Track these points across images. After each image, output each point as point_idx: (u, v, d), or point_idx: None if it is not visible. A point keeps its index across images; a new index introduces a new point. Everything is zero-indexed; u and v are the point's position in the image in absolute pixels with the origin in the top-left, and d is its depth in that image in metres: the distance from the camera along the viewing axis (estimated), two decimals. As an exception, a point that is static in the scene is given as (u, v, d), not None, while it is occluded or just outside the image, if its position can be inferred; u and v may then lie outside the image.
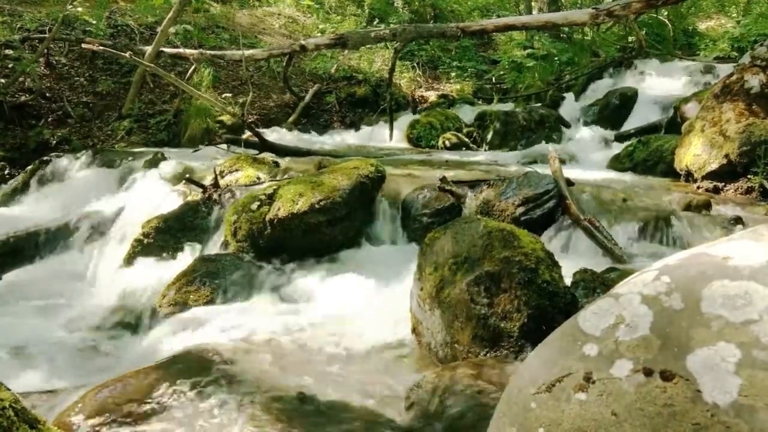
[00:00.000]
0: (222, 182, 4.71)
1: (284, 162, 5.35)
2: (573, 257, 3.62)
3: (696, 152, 4.67)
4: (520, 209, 3.94)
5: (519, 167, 5.37)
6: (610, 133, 6.99)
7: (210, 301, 3.32)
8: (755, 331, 1.19)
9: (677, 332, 1.24)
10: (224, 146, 6.11)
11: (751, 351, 1.17)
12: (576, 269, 3.04)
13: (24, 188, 5.79)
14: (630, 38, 9.91)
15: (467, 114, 8.30)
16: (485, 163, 5.83)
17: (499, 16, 11.55)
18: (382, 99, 8.72)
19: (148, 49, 7.49)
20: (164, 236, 4.13)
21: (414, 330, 2.80)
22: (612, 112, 7.62)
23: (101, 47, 6.80)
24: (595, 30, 10.11)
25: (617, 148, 6.25)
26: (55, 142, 6.96)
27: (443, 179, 4.27)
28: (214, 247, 4.12)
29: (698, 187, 4.62)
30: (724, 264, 1.33)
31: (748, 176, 4.40)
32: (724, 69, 7.33)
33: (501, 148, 7.03)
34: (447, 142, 7.24)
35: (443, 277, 2.60)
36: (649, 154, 5.50)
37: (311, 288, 3.53)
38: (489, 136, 7.26)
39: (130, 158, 5.77)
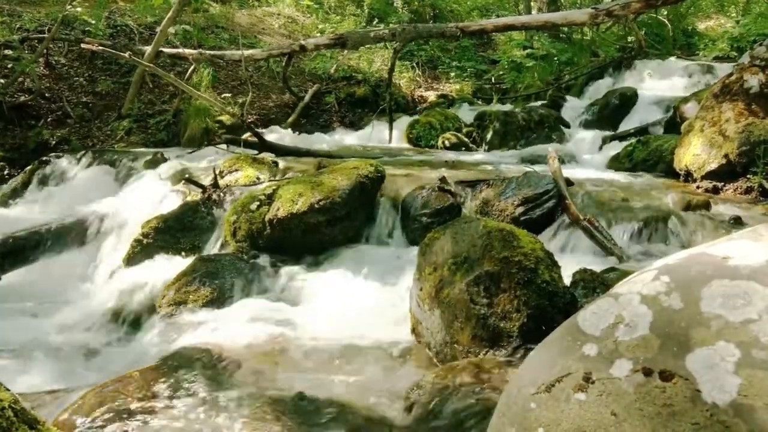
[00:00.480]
0: (221, 182, 4.71)
1: (284, 162, 5.35)
2: (572, 257, 3.62)
3: (695, 152, 4.67)
4: (520, 209, 3.94)
5: (518, 167, 5.37)
6: (609, 133, 6.99)
7: (209, 301, 3.31)
8: (755, 331, 1.19)
9: (677, 332, 1.24)
10: (224, 146, 6.10)
11: (751, 351, 1.17)
12: (575, 269, 3.04)
13: (23, 188, 5.79)
14: (629, 38, 9.92)
15: (467, 114, 8.30)
16: (485, 163, 5.83)
17: (498, 16, 11.55)
18: (382, 99, 8.72)
19: (148, 49, 7.48)
20: (164, 236, 4.13)
21: (413, 330, 2.80)
22: (611, 112, 7.61)
23: (100, 47, 6.79)
24: (595, 30, 10.11)
25: (617, 147, 6.25)
26: (54, 142, 6.96)
27: (443, 179, 4.27)
28: (213, 247, 4.12)
29: (698, 187, 4.62)
30: (724, 264, 1.33)
31: (748, 176, 4.40)
32: (724, 69, 7.34)
33: (500, 148, 7.03)
34: (446, 142, 7.24)
35: (443, 277, 2.60)
36: (649, 153, 5.50)
37: (311, 288, 3.53)
38: (488, 136, 7.25)
39: (129, 158, 5.78)
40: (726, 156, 4.46)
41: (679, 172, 4.90)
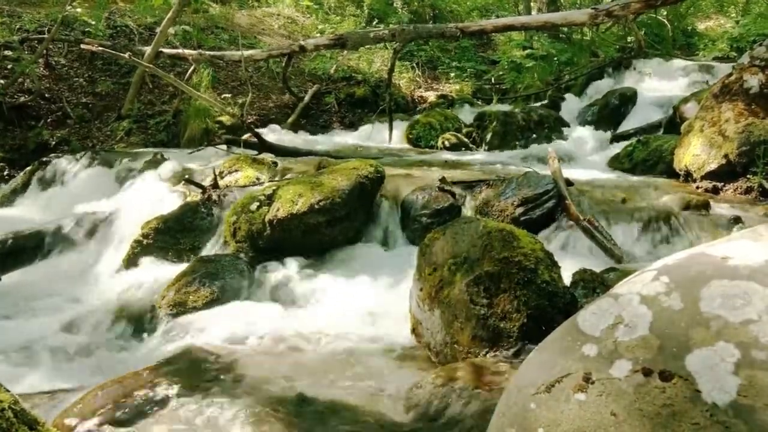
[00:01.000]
0: (221, 183, 4.71)
1: (283, 162, 5.35)
2: (572, 257, 3.62)
3: (695, 152, 4.67)
4: (520, 209, 3.94)
5: (518, 167, 5.37)
6: (609, 134, 6.99)
7: (209, 302, 3.31)
8: (754, 331, 1.19)
9: (676, 332, 1.24)
10: (223, 147, 6.11)
11: (750, 351, 1.17)
12: (575, 269, 3.04)
13: (23, 189, 5.79)
14: (629, 38, 9.92)
15: (466, 114, 8.30)
16: (484, 163, 5.83)
17: (498, 17, 11.55)
18: (382, 99, 8.72)
19: (148, 49, 7.49)
20: (164, 237, 4.13)
21: (414, 330, 2.80)
22: (611, 113, 7.62)
23: (100, 48, 6.80)
24: (595, 30, 10.11)
25: (616, 148, 6.25)
26: (54, 142, 6.96)
27: (443, 179, 4.27)
28: (213, 247, 4.12)
29: (697, 187, 4.62)
30: (724, 264, 1.33)
31: (748, 176, 4.40)
32: (723, 69, 7.33)
33: (500, 148, 7.03)
34: (446, 143, 7.24)
35: (443, 277, 2.60)
36: (649, 154, 5.50)
37: (311, 288, 3.53)
38: (488, 137, 7.26)
39: (129, 159, 5.77)
40: (726, 156, 4.46)
41: (678, 172, 4.90)
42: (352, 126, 8.73)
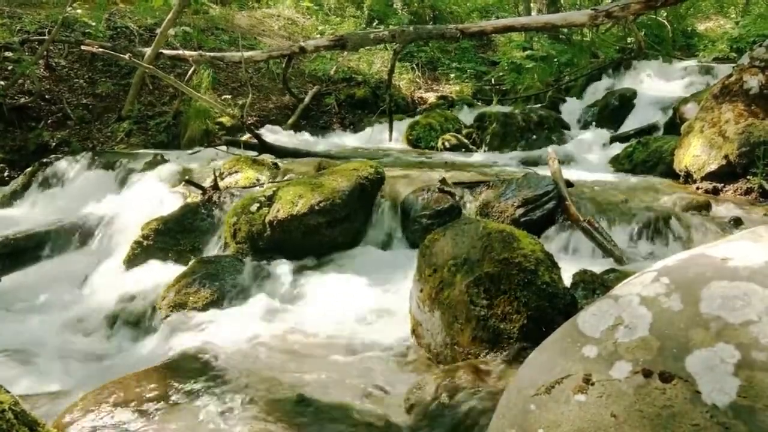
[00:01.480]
0: (221, 184, 4.71)
1: (284, 164, 5.35)
2: (572, 258, 3.62)
3: (695, 153, 4.67)
4: (520, 210, 3.94)
5: (518, 168, 5.37)
6: (609, 135, 7.00)
7: (209, 303, 3.31)
8: (754, 332, 1.19)
9: (676, 333, 1.24)
10: (223, 148, 6.11)
11: (750, 352, 1.17)
12: (575, 270, 3.04)
13: (24, 190, 5.79)
14: (629, 39, 9.92)
15: (466, 115, 8.31)
16: (484, 164, 5.83)
17: (498, 18, 11.57)
18: (382, 100, 8.73)
19: (148, 50, 7.49)
20: (164, 238, 4.13)
21: (414, 331, 2.80)
22: (611, 113, 7.63)
23: (101, 49, 6.80)
24: (594, 31, 10.12)
25: (616, 149, 6.26)
26: (54, 144, 6.96)
27: (443, 181, 4.27)
28: (213, 248, 4.12)
29: (697, 188, 4.62)
30: (723, 265, 1.33)
31: (748, 177, 4.40)
32: (723, 70, 7.34)
33: (500, 149, 7.04)
34: (446, 144, 7.25)
35: (443, 278, 2.59)
36: (649, 155, 5.50)
37: (311, 289, 3.53)
38: (488, 138, 7.26)
39: (129, 160, 5.78)
40: (726, 157, 4.46)
41: (678, 173, 4.90)
42: (352, 127, 8.74)
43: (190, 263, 3.69)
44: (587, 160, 6.22)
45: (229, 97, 8.08)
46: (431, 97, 9.68)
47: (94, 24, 8.34)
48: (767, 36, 8.20)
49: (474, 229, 2.66)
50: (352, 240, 4.08)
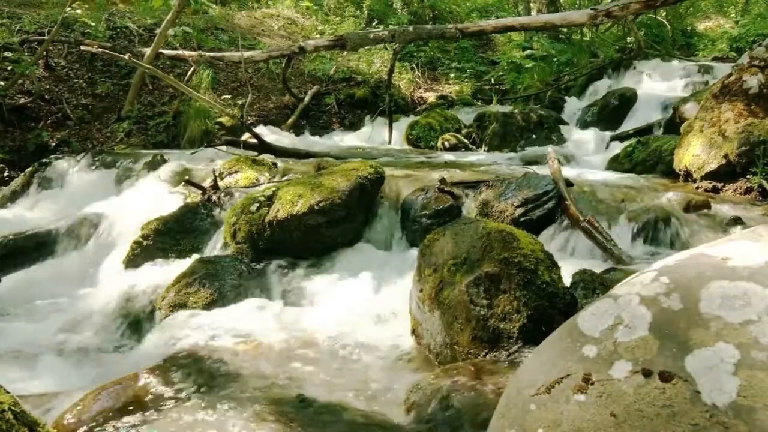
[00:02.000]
0: (221, 184, 4.71)
1: (283, 163, 5.35)
2: (572, 258, 3.62)
3: (695, 152, 4.67)
4: (520, 210, 3.94)
5: (518, 168, 5.37)
6: (609, 134, 7.00)
7: (209, 303, 3.31)
8: (754, 332, 1.19)
9: (676, 333, 1.24)
10: (223, 148, 6.11)
11: (750, 352, 1.17)
12: (575, 270, 3.04)
13: (23, 190, 5.79)
14: (629, 39, 9.92)
15: (466, 115, 8.31)
16: (484, 164, 5.83)
17: (497, 17, 11.55)
18: (381, 100, 8.73)
19: (147, 50, 7.49)
20: (164, 238, 4.13)
21: (413, 331, 2.80)
22: (611, 113, 7.62)
23: (100, 49, 6.80)
24: (594, 31, 10.11)
25: (616, 148, 6.25)
26: (54, 144, 6.97)
27: (442, 180, 4.27)
28: (213, 248, 4.12)
29: (697, 188, 4.61)
30: (723, 264, 1.33)
31: (747, 176, 4.39)
32: (723, 69, 7.34)
33: (500, 149, 7.04)
34: (446, 143, 7.25)
35: (443, 278, 2.60)
36: (649, 154, 5.50)
37: (311, 289, 3.53)
38: (488, 137, 7.26)
39: (129, 160, 5.78)
40: (726, 156, 4.46)
41: (678, 172, 4.90)
42: (352, 127, 8.74)
43: (190, 263, 3.69)
44: (587, 159, 6.22)
45: (229, 97, 8.08)
46: (431, 96, 9.68)
47: (93, 24, 8.34)
48: (767, 35, 8.20)
49: (474, 228, 2.66)
50: (351, 240, 4.08)
